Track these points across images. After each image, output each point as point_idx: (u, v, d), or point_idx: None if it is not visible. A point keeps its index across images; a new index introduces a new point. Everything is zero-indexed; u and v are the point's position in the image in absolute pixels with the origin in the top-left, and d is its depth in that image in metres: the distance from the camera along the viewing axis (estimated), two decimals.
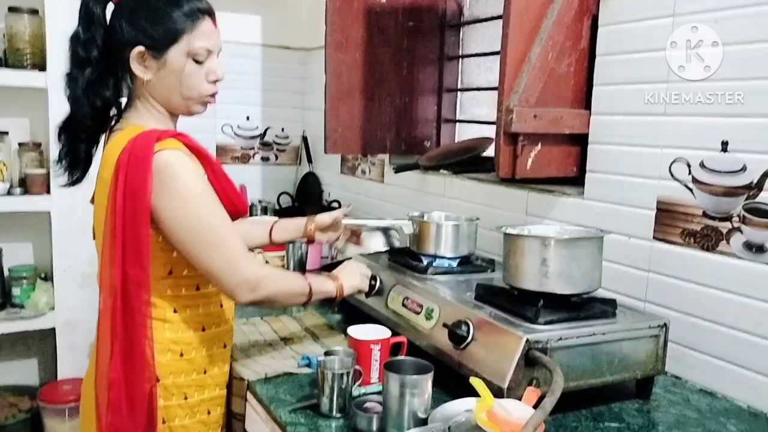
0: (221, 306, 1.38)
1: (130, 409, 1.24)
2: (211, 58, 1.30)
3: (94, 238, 1.36)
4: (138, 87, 1.30)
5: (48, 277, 2.76)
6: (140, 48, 1.25)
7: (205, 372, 1.34)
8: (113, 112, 1.33)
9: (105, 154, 1.28)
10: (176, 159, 1.22)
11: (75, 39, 1.28)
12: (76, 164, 1.35)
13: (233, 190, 1.36)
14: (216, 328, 1.36)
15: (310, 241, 1.71)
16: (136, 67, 1.26)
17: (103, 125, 1.33)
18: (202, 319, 1.33)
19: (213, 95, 1.33)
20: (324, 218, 1.69)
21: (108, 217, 1.23)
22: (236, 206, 1.37)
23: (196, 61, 1.28)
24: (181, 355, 1.30)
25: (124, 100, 1.34)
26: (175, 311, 1.29)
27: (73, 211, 2.44)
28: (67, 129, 1.33)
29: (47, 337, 2.70)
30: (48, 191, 2.61)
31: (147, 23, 1.25)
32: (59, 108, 2.60)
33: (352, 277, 1.49)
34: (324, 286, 1.42)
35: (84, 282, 2.57)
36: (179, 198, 1.21)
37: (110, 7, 1.28)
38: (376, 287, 1.62)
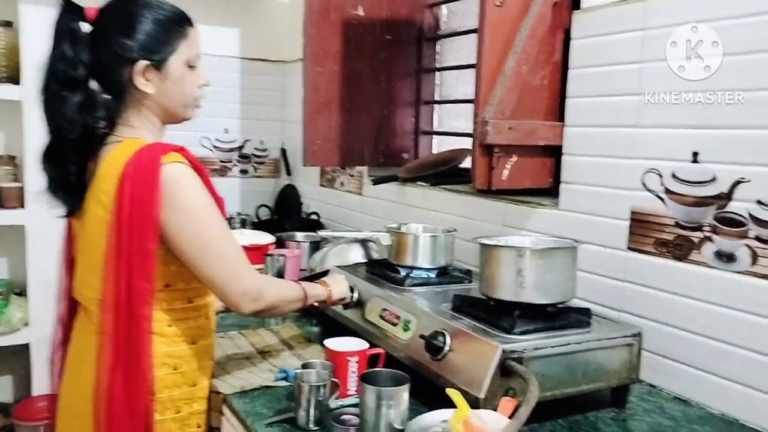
0: (208, 318, 1.40)
1: (131, 424, 1.24)
2: (199, 65, 1.36)
3: (75, 253, 1.36)
4: (133, 100, 1.30)
5: (23, 293, 2.72)
6: (144, 62, 1.27)
7: (194, 385, 1.35)
8: (101, 130, 1.31)
9: (103, 167, 1.27)
10: (182, 172, 1.25)
11: (61, 58, 1.25)
12: (70, 190, 1.31)
13: (222, 206, 1.37)
14: (204, 341, 1.38)
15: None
16: (139, 81, 1.27)
17: (94, 144, 1.31)
18: (193, 332, 1.35)
19: (203, 98, 1.38)
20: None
21: (112, 231, 1.22)
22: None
23: (191, 68, 1.33)
24: (175, 369, 1.31)
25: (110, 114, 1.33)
26: (169, 325, 1.30)
27: (49, 226, 2.41)
28: (52, 155, 1.29)
29: (21, 353, 2.66)
30: (22, 205, 2.59)
31: (146, 37, 1.27)
32: (34, 121, 2.58)
33: (339, 285, 1.57)
34: (316, 290, 1.48)
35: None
36: (185, 210, 1.24)
37: (85, 26, 1.28)
38: (355, 299, 1.62)
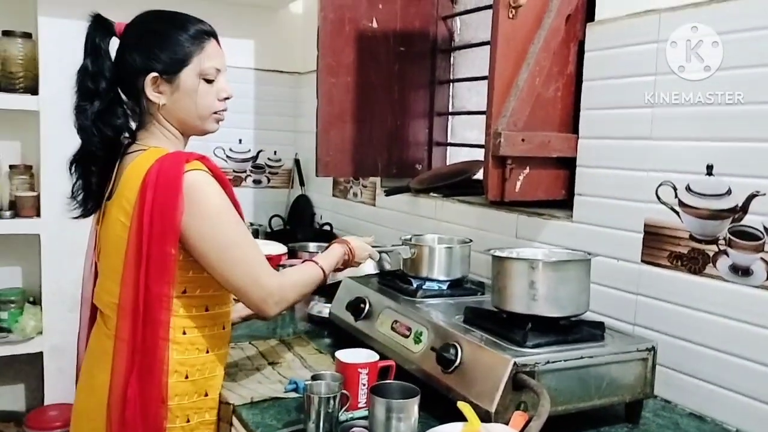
0: (224, 328, 1.40)
1: (143, 428, 1.25)
2: (219, 77, 1.37)
3: (97, 259, 1.39)
4: (152, 112, 1.35)
5: (36, 301, 2.74)
6: (153, 74, 1.31)
7: (206, 395, 1.36)
8: (125, 139, 1.38)
9: (126, 174, 1.31)
10: (204, 179, 1.28)
11: (83, 72, 1.33)
12: (89, 196, 1.39)
13: (240, 210, 1.40)
14: (218, 350, 1.39)
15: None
16: (150, 93, 1.32)
17: (114, 154, 1.37)
18: (207, 341, 1.35)
19: (224, 111, 1.40)
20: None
21: (132, 236, 1.26)
22: None
23: (207, 81, 1.35)
24: (186, 377, 1.32)
25: (134, 125, 1.39)
26: (184, 332, 1.31)
27: (63, 235, 2.44)
28: (79, 162, 1.37)
29: (34, 361, 2.68)
30: (38, 214, 2.62)
31: (158, 50, 1.31)
32: (50, 131, 2.62)
33: (358, 241, 1.59)
34: (333, 257, 1.50)
35: (73, 306, 2.53)
36: (208, 216, 1.27)
37: (114, 41, 1.36)
38: (365, 310, 1.62)
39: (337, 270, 1.54)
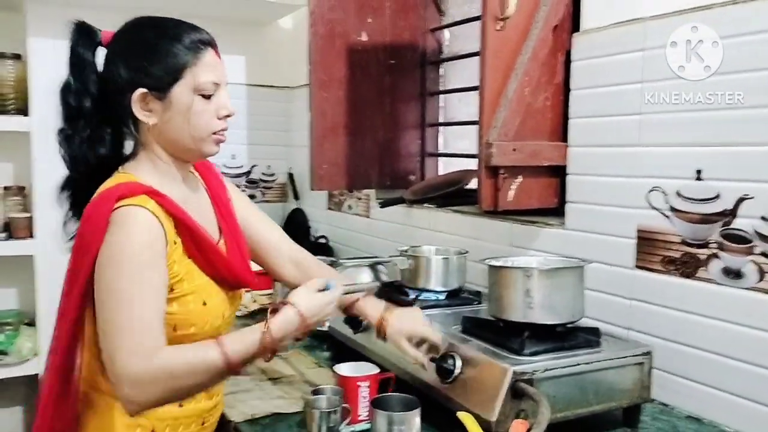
0: None
1: None
2: (219, 92, 1.18)
3: None
4: (142, 134, 1.19)
5: (32, 323, 2.73)
6: (142, 90, 1.13)
7: None
8: (109, 161, 1.20)
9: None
10: (134, 215, 1.08)
11: (66, 89, 1.17)
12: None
13: (222, 261, 1.22)
14: (188, 404, 1.21)
15: (382, 336, 1.37)
16: (138, 111, 1.15)
17: (102, 181, 1.17)
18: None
19: (224, 131, 1.21)
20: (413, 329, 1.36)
21: (65, 279, 1.13)
22: (231, 278, 1.24)
23: (204, 97, 1.16)
24: None
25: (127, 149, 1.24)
26: None
27: (58, 256, 2.44)
28: (67, 188, 1.22)
29: (31, 383, 2.66)
30: (32, 235, 2.61)
31: (146, 62, 1.14)
32: (42, 152, 2.60)
33: (309, 298, 1.20)
34: (246, 337, 1.13)
35: None
36: (109, 255, 1.07)
37: (101, 52, 1.18)
38: (363, 323, 1.62)
39: (298, 339, 1.20)
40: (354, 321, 1.64)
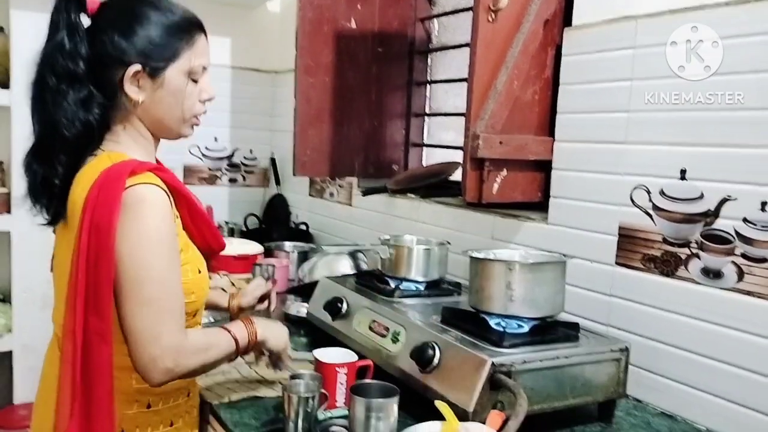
0: None
1: None
2: (204, 78, 1.22)
3: (51, 270, 1.24)
4: (124, 108, 1.17)
5: (6, 299, 2.69)
6: (137, 66, 1.13)
7: (171, 424, 1.26)
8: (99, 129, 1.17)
9: (73, 187, 1.14)
10: (149, 196, 1.10)
11: (59, 49, 1.12)
12: (53, 195, 1.16)
13: (209, 229, 1.30)
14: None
15: (233, 317, 1.55)
16: (129, 87, 1.14)
17: (87, 147, 1.16)
18: None
19: (202, 114, 1.25)
20: (249, 298, 1.57)
21: (73, 261, 1.09)
22: (211, 246, 1.32)
23: (194, 81, 1.20)
24: (148, 406, 1.21)
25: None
26: None
27: (34, 232, 2.41)
28: (41, 153, 1.16)
29: (3, 360, 2.63)
30: (8, 211, 2.57)
31: (143, 39, 1.14)
32: (22, 126, 2.56)
33: (274, 329, 1.33)
34: (245, 339, 1.25)
35: (44, 304, 2.51)
36: (136, 238, 1.08)
37: (85, 21, 1.15)
38: (342, 310, 1.62)
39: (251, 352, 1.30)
40: (333, 307, 1.64)
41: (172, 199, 1.16)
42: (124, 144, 1.18)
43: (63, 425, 1.09)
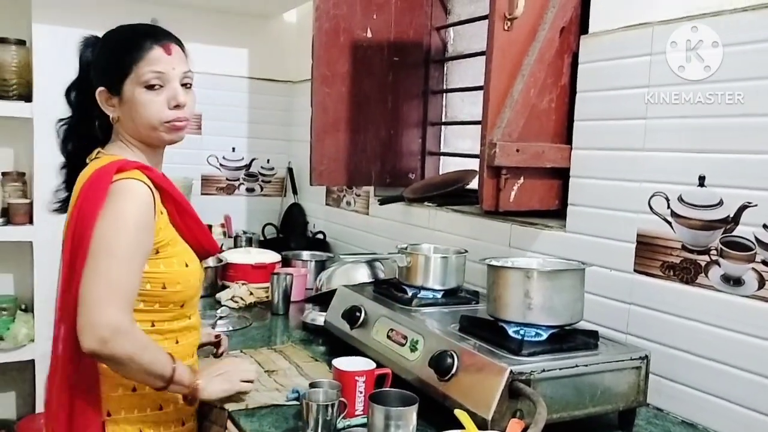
0: (177, 342, 1.37)
1: None
2: (170, 85, 1.30)
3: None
4: (114, 124, 1.36)
5: (28, 309, 2.73)
6: (101, 88, 1.32)
7: (161, 408, 1.33)
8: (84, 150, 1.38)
9: (76, 185, 1.32)
10: (131, 188, 1.23)
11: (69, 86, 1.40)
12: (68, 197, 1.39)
13: (201, 229, 1.41)
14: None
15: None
16: (103, 106, 1.33)
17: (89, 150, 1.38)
18: None
19: (178, 121, 1.32)
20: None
21: (65, 250, 1.25)
22: (204, 246, 1.43)
23: (150, 88, 1.29)
24: (134, 390, 1.30)
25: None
26: None
27: (56, 242, 2.44)
28: (70, 162, 1.40)
29: (26, 369, 2.66)
30: (31, 221, 2.61)
31: (105, 64, 1.33)
32: (44, 138, 2.60)
33: (217, 382, 1.36)
34: (184, 377, 1.28)
35: None
36: (109, 221, 1.20)
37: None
38: (361, 319, 1.62)
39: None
40: (351, 316, 1.65)
41: (157, 195, 1.29)
42: (123, 152, 1.35)
43: (52, 405, 1.25)
